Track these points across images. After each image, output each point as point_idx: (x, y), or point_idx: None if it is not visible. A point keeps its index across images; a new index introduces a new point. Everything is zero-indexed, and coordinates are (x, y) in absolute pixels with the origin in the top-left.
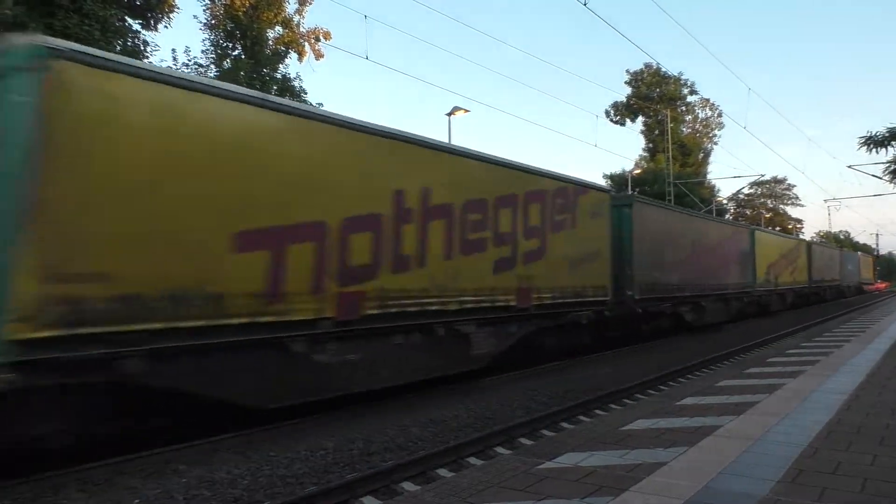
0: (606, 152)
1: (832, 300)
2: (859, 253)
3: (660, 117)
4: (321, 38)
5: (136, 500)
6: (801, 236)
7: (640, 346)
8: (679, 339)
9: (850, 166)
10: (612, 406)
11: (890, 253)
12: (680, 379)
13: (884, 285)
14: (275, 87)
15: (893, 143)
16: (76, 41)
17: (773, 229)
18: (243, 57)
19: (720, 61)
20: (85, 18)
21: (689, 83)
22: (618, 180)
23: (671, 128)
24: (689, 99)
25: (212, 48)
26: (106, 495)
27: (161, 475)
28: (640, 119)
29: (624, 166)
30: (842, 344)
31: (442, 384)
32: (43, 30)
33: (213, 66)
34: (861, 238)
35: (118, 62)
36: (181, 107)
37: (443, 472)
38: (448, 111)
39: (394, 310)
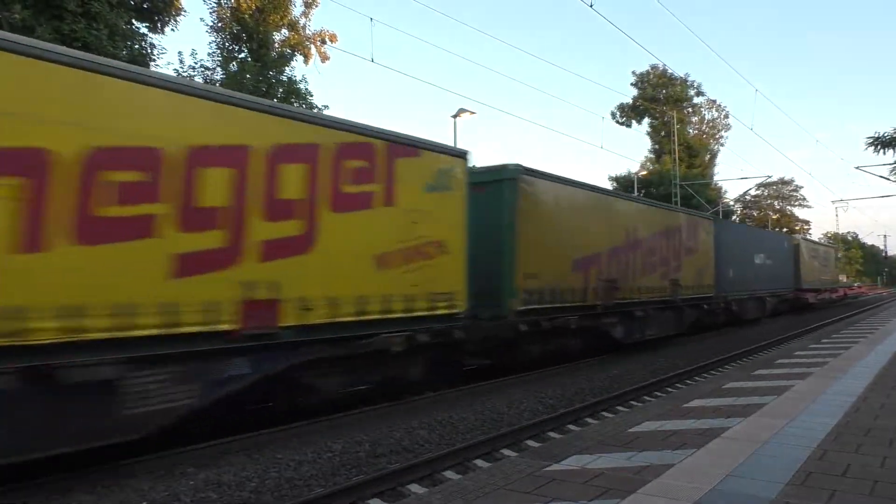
0: (612, 154)
1: (665, 335)
2: (799, 237)
3: (666, 119)
4: (327, 40)
5: (144, 502)
6: (809, 236)
7: (647, 348)
8: (686, 341)
9: (858, 167)
10: (619, 408)
11: None
12: (687, 381)
13: (863, 288)
14: (280, 90)
15: None
16: (84, 45)
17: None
18: (249, 60)
19: (727, 62)
20: (93, 22)
21: (695, 84)
22: (623, 182)
23: (677, 129)
24: (696, 100)
25: (218, 51)
26: (114, 497)
27: (169, 477)
28: (647, 121)
29: (630, 168)
30: (850, 345)
31: (449, 386)
32: (51, 33)
33: (219, 69)
34: (869, 239)
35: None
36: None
37: (450, 474)
38: (454, 113)
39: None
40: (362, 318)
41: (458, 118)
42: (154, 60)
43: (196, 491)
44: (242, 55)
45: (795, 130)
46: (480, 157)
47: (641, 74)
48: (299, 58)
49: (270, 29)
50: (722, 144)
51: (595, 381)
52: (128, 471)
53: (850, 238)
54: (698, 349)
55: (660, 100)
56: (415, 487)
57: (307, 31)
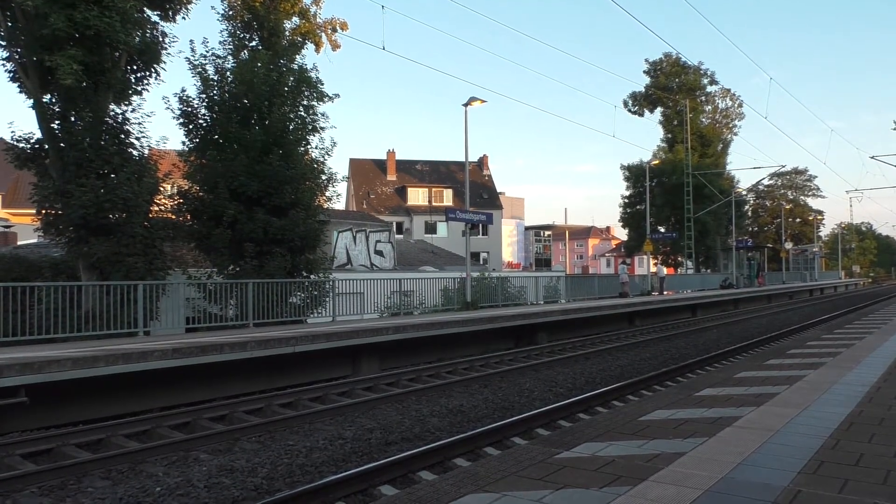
0: (625, 143)
1: None
2: None
3: (679, 108)
4: (338, 28)
5: (158, 488)
6: (821, 228)
7: (660, 337)
8: (698, 330)
9: (873, 157)
10: (630, 397)
11: None
12: (698, 370)
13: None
14: (291, 78)
15: None
16: (96, 33)
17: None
18: (260, 48)
19: (741, 50)
20: (105, 10)
21: (709, 73)
22: (636, 171)
23: (690, 118)
24: (709, 89)
25: (229, 39)
26: (129, 483)
27: (183, 463)
28: (659, 109)
29: (642, 157)
30: (863, 335)
31: (459, 374)
32: (64, 21)
33: (230, 58)
34: (884, 230)
35: None
36: None
37: (460, 461)
38: (465, 101)
39: None
40: None
41: (469, 106)
42: (166, 49)
43: (209, 476)
44: (253, 43)
45: (810, 119)
46: (493, 147)
47: (654, 62)
48: (310, 46)
49: (281, 17)
50: (735, 134)
51: (606, 371)
52: (142, 457)
53: (864, 229)
54: (709, 338)
55: (673, 88)
56: (425, 474)
57: (318, 19)
